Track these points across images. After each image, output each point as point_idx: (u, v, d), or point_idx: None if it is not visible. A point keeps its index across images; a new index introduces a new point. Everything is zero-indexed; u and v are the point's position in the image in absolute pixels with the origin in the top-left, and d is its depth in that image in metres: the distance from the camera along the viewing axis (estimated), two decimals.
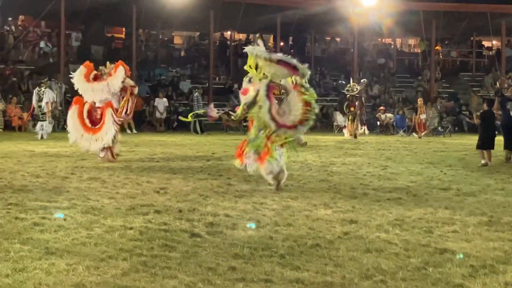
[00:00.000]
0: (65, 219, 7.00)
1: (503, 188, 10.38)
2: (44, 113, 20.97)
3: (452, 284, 5.03)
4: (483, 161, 13.89)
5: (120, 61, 14.04)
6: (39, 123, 20.97)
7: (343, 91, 25.43)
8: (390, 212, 7.96)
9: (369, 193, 9.55)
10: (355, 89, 24.01)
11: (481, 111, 15.26)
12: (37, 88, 21.75)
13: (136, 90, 14.15)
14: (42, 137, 20.11)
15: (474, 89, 33.73)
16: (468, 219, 7.62)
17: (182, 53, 35.59)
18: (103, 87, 13.41)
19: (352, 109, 24.01)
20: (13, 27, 30.73)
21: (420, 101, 27.04)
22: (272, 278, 5.09)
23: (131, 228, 6.66)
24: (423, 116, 26.37)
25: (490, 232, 6.89)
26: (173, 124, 27.31)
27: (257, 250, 5.91)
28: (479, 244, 6.31)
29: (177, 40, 37.30)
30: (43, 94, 21.11)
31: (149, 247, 5.92)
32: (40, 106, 21.00)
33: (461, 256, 5.78)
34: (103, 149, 13.30)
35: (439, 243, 6.34)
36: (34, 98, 21.28)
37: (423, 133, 25.91)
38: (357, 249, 6.01)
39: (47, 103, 21.13)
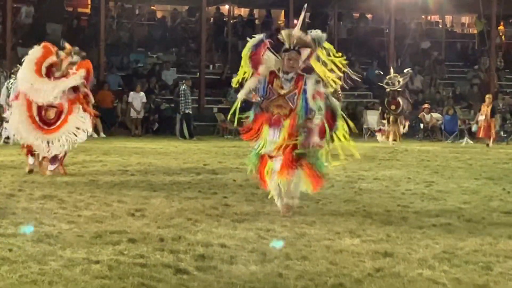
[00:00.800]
0: (10, 250, 7.01)
1: None
2: None
3: None
4: None
5: (87, 61, 14.08)
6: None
7: (381, 84, 25.46)
8: (437, 243, 7.96)
9: (408, 218, 9.56)
10: (396, 83, 24.06)
11: None
12: (8, 80, 21.88)
13: (90, 101, 14.25)
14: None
15: None
16: None
17: (166, 34, 35.68)
18: (53, 87, 13.45)
19: (393, 107, 24.07)
20: None
21: (488, 98, 26.71)
22: None
23: (97, 262, 6.66)
24: (481, 117, 26.31)
25: None
26: (153, 125, 27.42)
27: None
28: None
29: (159, 16, 37.38)
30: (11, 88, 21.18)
31: (121, 287, 5.93)
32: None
33: None
34: (54, 158, 13.41)
35: (500, 283, 6.34)
36: (3, 93, 21.42)
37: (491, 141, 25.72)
38: None
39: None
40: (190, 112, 26.05)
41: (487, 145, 25.06)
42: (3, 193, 10.87)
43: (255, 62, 9.54)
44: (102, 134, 25.02)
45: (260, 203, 10.45)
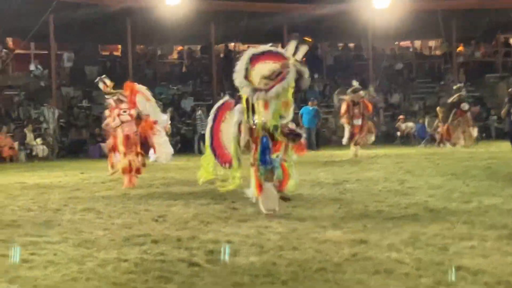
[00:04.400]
0: (55, 254, 7.17)
1: None
2: None
3: None
4: None
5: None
6: None
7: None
8: (404, 230, 8.07)
9: (383, 211, 9.68)
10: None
11: None
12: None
13: None
14: None
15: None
16: (487, 233, 7.73)
17: (183, 69, 35.89)
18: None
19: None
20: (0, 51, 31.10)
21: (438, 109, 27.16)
22: None
23: (125, 261, 6.81)
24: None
25: (510, 246, 7.00)
26: (176, 147, 27.51)
27: (258, 277, 6.05)
28: (497, 259, 6.43)
29: (177, 55, 37.61)
30: None
31: (144, 279, 6.07)
32: None
33: None
34: None
35: (454, 260, 6.45)
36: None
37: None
38: (365, 271, 6.14)
39: None
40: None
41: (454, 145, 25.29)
42: (51, 208, 11.01)
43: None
44: None
45: None
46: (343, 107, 21.01)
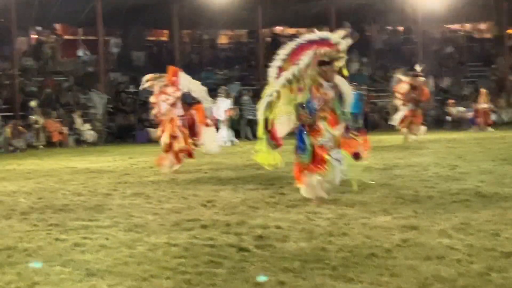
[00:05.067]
0: (107, 239, 7.30)
1: None
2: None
3: None
4: None
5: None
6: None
7: None
8: (455, 216, 8.03)
9: (433, 196, 9.62)
10: None
11: None
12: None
13: None
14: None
15: None
16: None
17: (230, 53, 35.95)
18: None
19: None
20: (49, 37, 31.47)
21: (483, 91, 26.93)
22: None
23: (175, 245, 6.91)
24: (484, 106, 26.33)
25: None
26: None
27: (308, 262, 6.08)
28: None
29: (224, 40, 37.69)
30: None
31: (194, 264, 6.15)
32: None
33: None
34: None
35: (506, 246, 6.41)
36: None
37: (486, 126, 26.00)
38: (416, 257, 6.13)
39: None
40: (253, 118, 26.18)
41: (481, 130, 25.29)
42: (101, 192, 11.19)
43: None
44: None
45: None
46: (404, 88, 20.85)
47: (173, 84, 14.15)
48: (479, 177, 11.46)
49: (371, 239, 7.00)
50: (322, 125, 9.37)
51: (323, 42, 9.39)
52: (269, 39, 35.77)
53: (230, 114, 23.85)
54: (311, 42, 9.41)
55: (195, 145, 14.33)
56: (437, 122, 28.94)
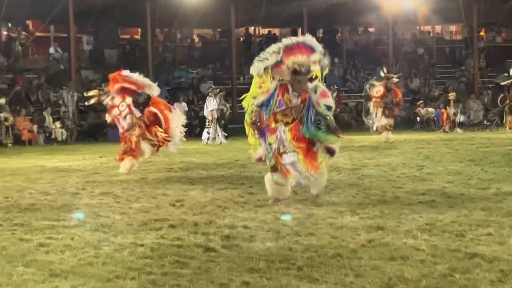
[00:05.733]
0: (72, 238, 7.23)
1: None
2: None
3: None
4: None
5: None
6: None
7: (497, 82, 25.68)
8: (421, 216, 8.06)
9: (400, 197, 9.65)
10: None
11: None
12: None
13: None
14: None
15: None
16: (505, 220, 7.71)
17: (203, 53, 35.86)
18: None
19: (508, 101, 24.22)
20: (20, 33, 31.11)
21: (452, 95, 27.21)
22: None
23: (142, 245, 6.85)
24: (452, 109, 26.71)
25: None
26: (195, 130, 27.57)
27: (274, 262, 6.07)
28: None
29: (197, 39, 37.58)
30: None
31: (160, 264, 6.10)
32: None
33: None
34: None
35: (470, 247, 6.44)
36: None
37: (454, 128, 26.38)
38: (381, 258, 6.14)
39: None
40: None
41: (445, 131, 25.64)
42: (69, 192, 11.07)
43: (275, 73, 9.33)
44: None
45: None
46: (380, 91, 21.01)
47: (119, 92, 14.03)
48: (446, 178, 11.54)
49: (337, 239, 7.01)
50: (279, 127, 9.35)
51: (306, 48, 9.31)
52: (242, 38, 35.80)
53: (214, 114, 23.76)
54: (296, 45, 9.33)
55: (165, 139, 14.06)
56: (406, 123, 29.12)
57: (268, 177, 9.48)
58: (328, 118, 9.34)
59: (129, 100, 14.02)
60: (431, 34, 38.63)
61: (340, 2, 31.39)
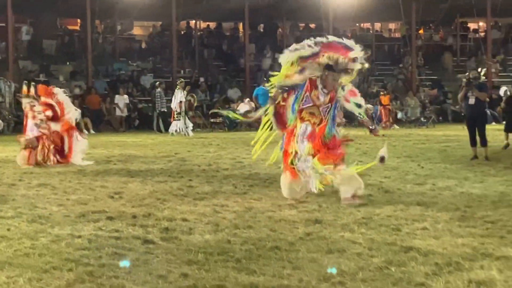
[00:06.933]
0: (8, 229, 7.11)
1: (482, 181, 10.68)
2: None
3: (414, 283, 5.23)
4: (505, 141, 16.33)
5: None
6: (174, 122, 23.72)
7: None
8: (358, 211, 8.17)
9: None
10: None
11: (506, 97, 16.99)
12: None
13: None
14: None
15: (459, 75, 34.09)
16: (440, 214, 7.86)
17: (143, 45, 35.59)
18: None
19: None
20: None
21: (385, 91, 27.85)
22: (225, 283, 5.26)
23: (79, 237, 6.79)
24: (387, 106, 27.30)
25: (461, 228, 7.13)
26: (134, 122, 27.40)
27: (212, 255, 6.07)
28: (448, 240, 6.54)
29: (138, 31, 37.27)
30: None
31: (97, 256, 6.05)
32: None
33: None
34: None
35: (406, 241, 6.55)
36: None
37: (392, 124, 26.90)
38: (318, 250, 6.20)
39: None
40: (165, 110, 26.03)
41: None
42: (6, 183, 10.90)
43: (303, 68, 9.19)
44: (91, 131, 25.00)
45: (218, 184, 10.63)
46: None
47: (43, 104, 13.94)
48: (383, 173, 11.68)
49: (276, 232, 7.05)
50: (300, 125, 9.11)
51: (344, 47, 9.10)
52: (183, 32, 35.63)
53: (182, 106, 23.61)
54: (334, 44, 9.16)
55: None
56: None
57: (285, 179, 9.23)
58: (361, 116, 9.31)
59: (49, 113, 13.88)
60: (371, 32, 39.05)
61: None
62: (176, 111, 23.68)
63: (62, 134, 13.97)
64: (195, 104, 25.68)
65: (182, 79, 25.30)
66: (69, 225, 7.40)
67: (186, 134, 23.25)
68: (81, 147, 14.16)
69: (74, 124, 14.36)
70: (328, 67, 9.03)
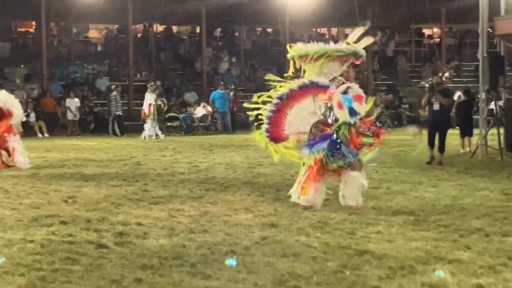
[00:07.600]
0: None
1: (436, 185, 10.81)
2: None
3: (368, 287, 5.27)
4: (462, 150, 16.61)
5: None
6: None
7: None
8: (314, 214, 8.20)
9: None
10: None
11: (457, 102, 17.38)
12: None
13: None
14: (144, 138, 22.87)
15: (414, 80, 34.46)
16: (394, 218, 7.93)
17: (99, 48, 35.29)
18: None
19: None
20: None
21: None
22: None
23: (32, 241, 6.70)
24: None
25: (415, 232, 7.20)
26: (89, 126, 27.14)
27: (167, 259, 6.04)
28: (401, 244, 6.59)
29: (94, 34, 36.95)
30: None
31: (50, 260, 5.98)
32: None
33: None
34: None
35: (360, 244, 6.59)
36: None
37: None
38: (273, 254, 6.21)
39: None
40: (121, 114, 25.84)
41: None
42: None
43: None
44: (46, 134, 24.73)
45: (174, 188, 10.59)
46: None
47: None
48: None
49: (232, 236, 7.05)
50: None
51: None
52: (139, 35, 35.44)
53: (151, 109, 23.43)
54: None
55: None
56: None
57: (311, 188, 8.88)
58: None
59: None
60: (327, 36, 39.26)
61: (238, 2, 31.43)
62: (145, 113, 23.50)
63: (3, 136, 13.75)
64: (165, 109, 25.51)
65: (153, 83, 25.21)
66: (21, 229, 7.30)
67: (158, 136, 23.19)
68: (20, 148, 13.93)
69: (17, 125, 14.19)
70: None
